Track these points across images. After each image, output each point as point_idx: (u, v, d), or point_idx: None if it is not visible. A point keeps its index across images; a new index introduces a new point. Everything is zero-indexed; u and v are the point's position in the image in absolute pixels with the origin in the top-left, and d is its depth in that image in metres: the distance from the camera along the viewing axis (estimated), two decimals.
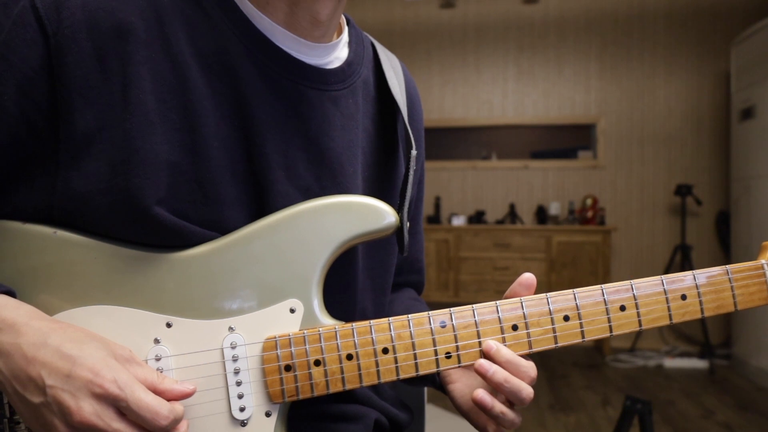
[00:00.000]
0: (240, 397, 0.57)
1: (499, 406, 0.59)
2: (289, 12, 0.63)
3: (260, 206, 0.62)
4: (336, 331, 0.58)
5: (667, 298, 0.62)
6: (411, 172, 0.68)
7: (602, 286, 0.61)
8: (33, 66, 0.55)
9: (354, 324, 0.59)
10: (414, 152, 0.69)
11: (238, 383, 0.57)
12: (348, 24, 0.75)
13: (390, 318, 0.59)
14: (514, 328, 0.60)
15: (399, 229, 0.63)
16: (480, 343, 0.60)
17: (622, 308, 0.61)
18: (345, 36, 0.72)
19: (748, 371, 3.65)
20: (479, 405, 0.59)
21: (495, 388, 0.59)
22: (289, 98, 0.63)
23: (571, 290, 0.61)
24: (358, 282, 0.70)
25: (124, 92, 0.56)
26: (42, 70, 0.55)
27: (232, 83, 0.61)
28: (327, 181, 0.65)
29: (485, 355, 0.59)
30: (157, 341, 0.57)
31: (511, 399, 0.59)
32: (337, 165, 0.66)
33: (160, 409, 0.49)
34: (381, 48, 0.78)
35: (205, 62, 0.60)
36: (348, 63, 0.70)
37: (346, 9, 0.73)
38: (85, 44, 0.55)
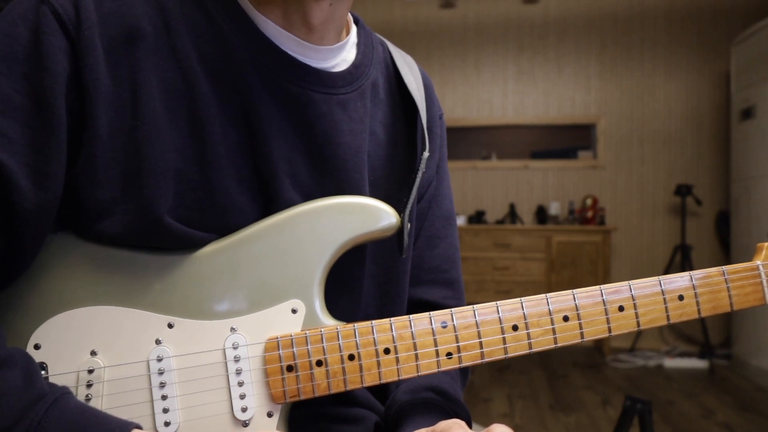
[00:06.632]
0: (242, 397, 0.57)
1: None
2: (282, 16, 0.62)
3: (266, 214, 0.61)
4: (338, 332, 0.58)
5: (664, 299, 0.62)
6: (419, 174, 0.67)
7: (601, 286, 0.62)
8: (67, 69, 0.53)
9: (356, 324, 0.59)
10: (426, 154, 0.68)
11: (240, 384, 0.57)
12: (357, 24, 0.72)
13: (391, 318, 0.59)
14: (515, 328, 0.60)
15: (399, 231, 0.63)
16: (481, 344, 0.60)
17: (621, 309, 0.61)
18: (353, 37, 0.70)
19: (748, 371, 3.65)
20: None
21: None
22: (296, 104, 0.62)
23: (570, 291, 0.61)
24: (363, 286, 0.69)
25: (133, 99, 0.55)
26: (73, 75, 0.54)
27: (238, 89, 0.60)
28: (330, 188, 0.64)
29: None
30: (158, 342, 0.57)
31: None
32: (342, 172, 0.65)
33: None
34: (394, 48, 0.76)
35: (210, 68, 0.59)
36: (355, 65, 0.68)
37: None
38: (99, 48, 0.54)
